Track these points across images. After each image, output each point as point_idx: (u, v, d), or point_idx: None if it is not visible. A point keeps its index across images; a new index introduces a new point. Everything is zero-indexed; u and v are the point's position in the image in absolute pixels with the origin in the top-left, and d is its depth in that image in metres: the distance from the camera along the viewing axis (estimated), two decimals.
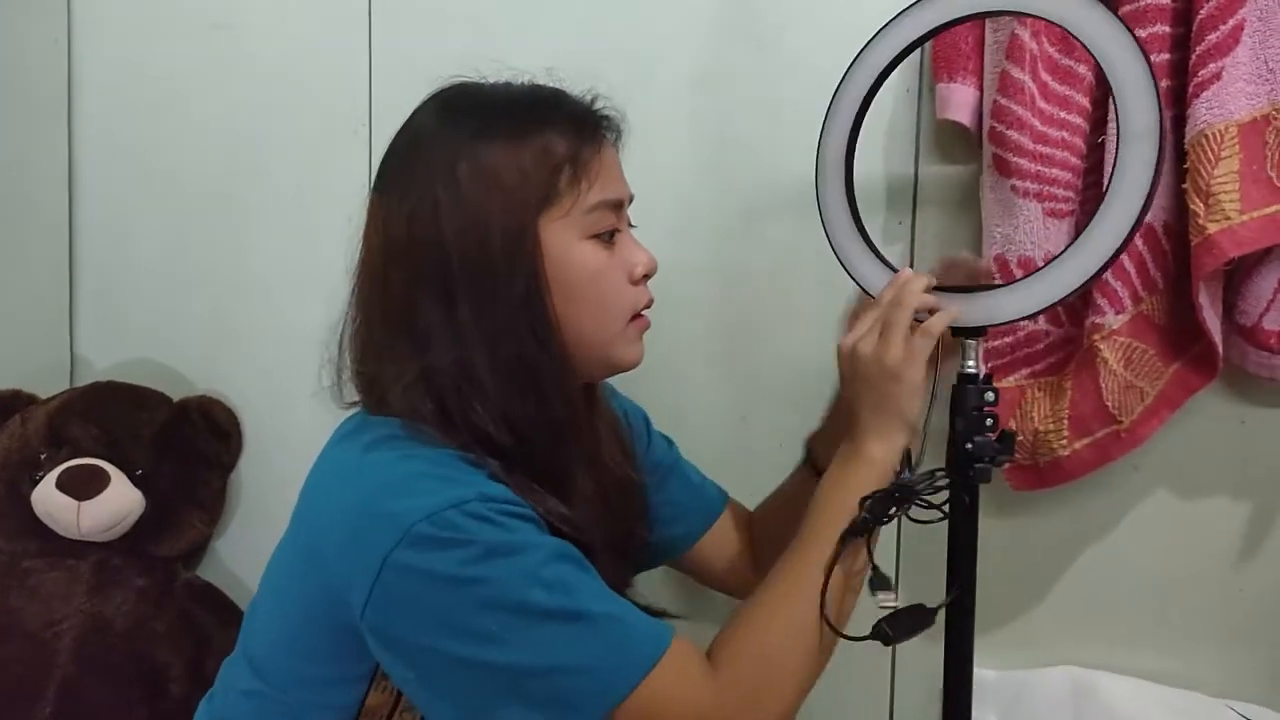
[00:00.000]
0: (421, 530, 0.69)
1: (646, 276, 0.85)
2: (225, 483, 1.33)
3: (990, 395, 0.85)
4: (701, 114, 1.19)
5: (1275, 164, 0.99)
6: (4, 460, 1.23)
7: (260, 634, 0.85)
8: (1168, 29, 1.00)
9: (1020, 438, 1.08)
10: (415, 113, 0.84)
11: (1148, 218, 1.02)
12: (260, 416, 1.34)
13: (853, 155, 0.95)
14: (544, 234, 0.78)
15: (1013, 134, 1.02)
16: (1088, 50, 0.80)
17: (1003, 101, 1.03)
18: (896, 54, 0.92)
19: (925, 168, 1.15)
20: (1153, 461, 1.13)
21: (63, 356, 1.37)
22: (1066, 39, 1.03)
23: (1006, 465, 1.06)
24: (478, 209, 0.77)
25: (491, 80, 0.84)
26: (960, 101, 1.08)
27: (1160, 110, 0.77)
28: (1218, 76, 0.97)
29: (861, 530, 0.79)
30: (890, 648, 1.19)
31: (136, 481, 1.22)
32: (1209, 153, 0.98)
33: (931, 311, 0.84)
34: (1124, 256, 1.02)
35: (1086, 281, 0.81)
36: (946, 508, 0.83)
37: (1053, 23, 0.83)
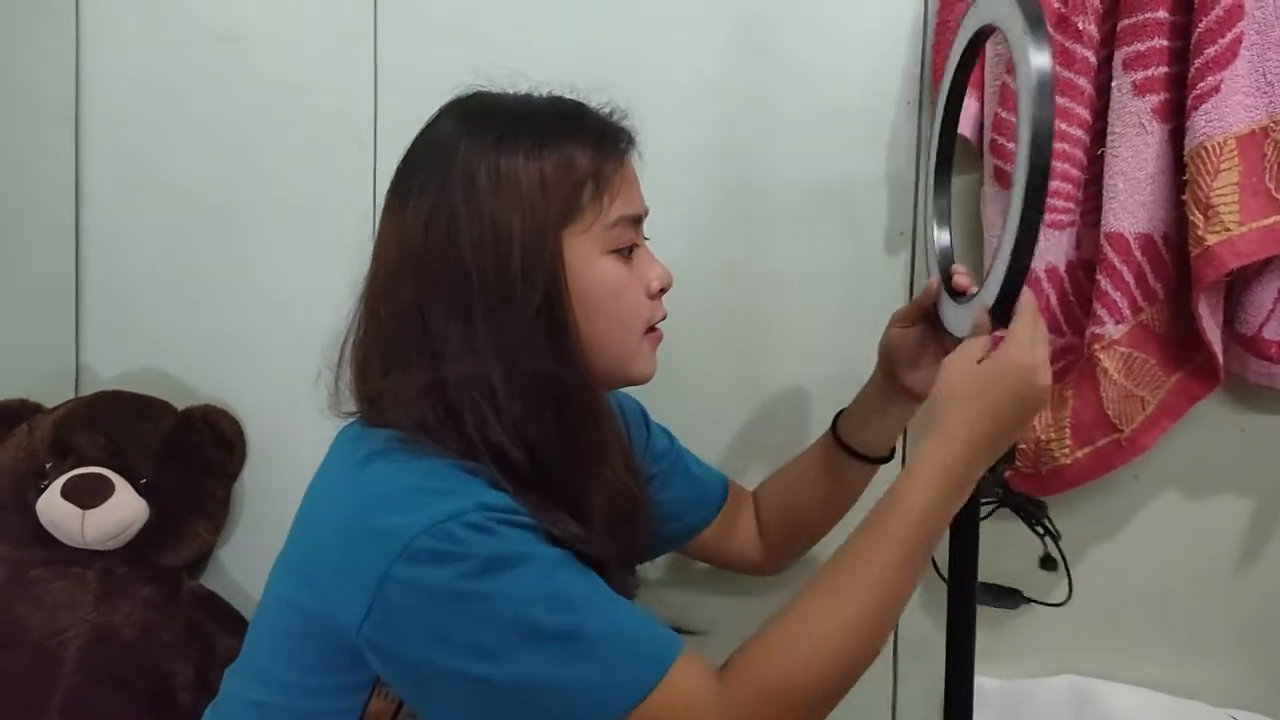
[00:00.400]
0: (420, 544, 0.68)
1: (663, 290, 0.85)
2: (230, 492, 1.33)
3: None
4: (707, 122, 1.19)
5: (1274, 176, 1.00)
6: (10, 469, 1.23)
7: (262, 643, 0.84)
8: (1166, 43, 1.01)
9: (1022, 446, 1.09)
10: (434, 120, 0.83)
11: (1147, 229, 1.03)
12: (265, 426, 1.34)
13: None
14: (565, 248, 0.77)
15: (1013, 146, 1.03)
16: None
17: (1004, 114, 1.03)
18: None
19: (927, 178, 1.16)
20: (1154, 470, 1.13)
21: (68, 365, 1.37)
22: (1066, 52, 1.03)
23: (1007, 473, 1.07)
24: (498, 220, 0.76)
25: (510, 91, 0.84)
26: (962, 114, 1.08)
27: None
28: (1217, 89, 0.98)
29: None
30: (893, 653, 1.20)
31: (141, 490, 1.22)
32: (1208, 165, 0.98)
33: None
34: (1123, 267, 1.03)
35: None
36: None
37: None
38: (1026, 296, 0.78)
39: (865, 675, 1.20)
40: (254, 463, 1.34)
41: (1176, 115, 1.02)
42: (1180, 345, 1.06)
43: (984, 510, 0.86)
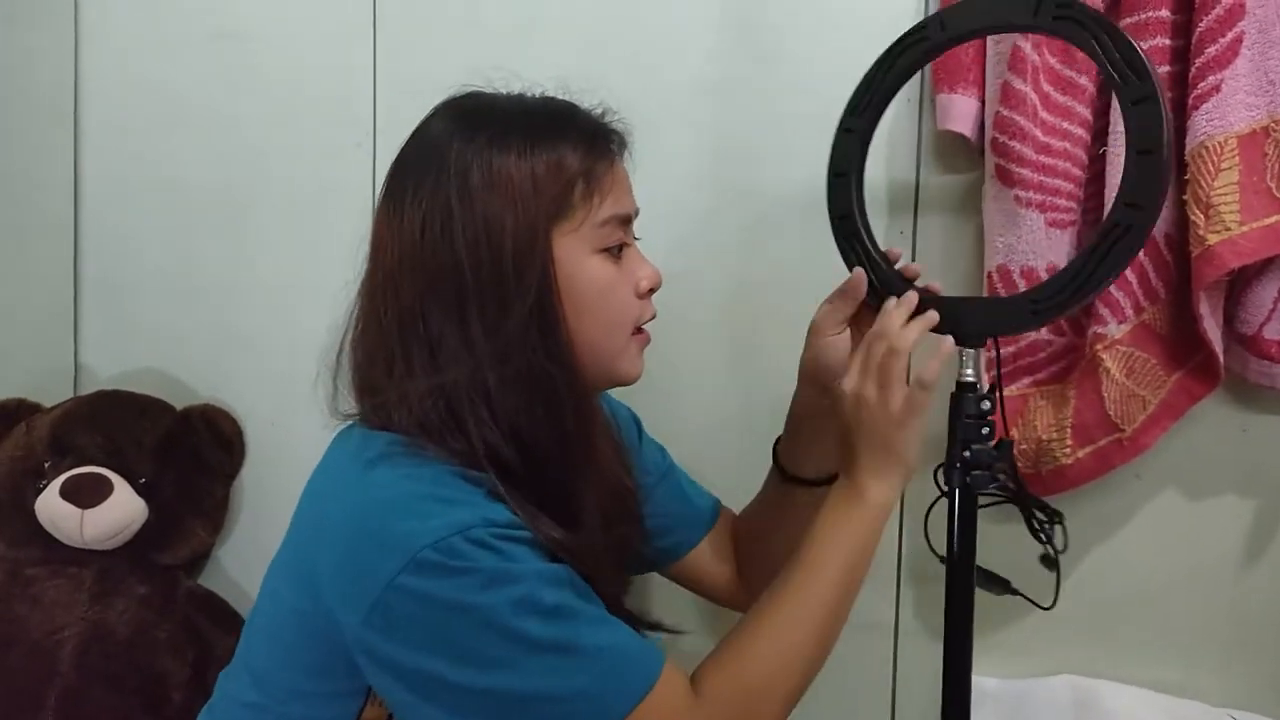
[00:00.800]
0: (427, 557, 0.69)
1: (652, 290, 0.85)
2: (228, 491, 1.33)
3: (987, 404, 0.85)
4: (703, 123, 1.20)
5: (1275, 175, 1.00)
6: (8, 468, 1.23)
7: (258, 646, 0.84)
8: (1168, 41, 1.01)
9: (1024, 445, 1.08)
10: (427, 120, 0.84)
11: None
12: (263, 426, 1.34)
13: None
14: (556, 246, 0.78)
15: (1015, 145, 1.03)
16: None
17: (1005, 113, 1.03)
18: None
19: (927, 177, 1.16)
20: (1155, 469, 1.13)
21: (67, 365, 1.37)
22: (1068, 50, 1.03)
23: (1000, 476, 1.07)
24: (490, 218, 0.77)
25: (503, 91, 0.85)
26: (961, 112, 1.08)
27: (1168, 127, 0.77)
28: (1217, 89, 0.98)
29: None
30: (892, 654, 1.20)
31: (139, 490, 1.22)
32: (1209, 164, 0.98)
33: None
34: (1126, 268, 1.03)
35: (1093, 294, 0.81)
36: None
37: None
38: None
39: (865, 675, 1.21)
40: (253, 462, 1.34)
41: (1177, 115, 1.02)
42: (1181, 344, 1.06)
43: (989, 503, 0.86)
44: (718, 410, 1.22)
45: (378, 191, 0.84)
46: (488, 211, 0.77)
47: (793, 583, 0.80)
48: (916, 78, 1.14)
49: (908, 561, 1.19)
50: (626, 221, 0.84)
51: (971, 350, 0.86)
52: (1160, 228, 1.04)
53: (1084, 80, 1.05)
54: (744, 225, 1.20)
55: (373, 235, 0.83)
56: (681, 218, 1.18)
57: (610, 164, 0.82)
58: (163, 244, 1.34)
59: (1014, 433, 1.09)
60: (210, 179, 1.33)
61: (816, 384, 0.93)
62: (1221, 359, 1.03)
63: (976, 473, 0.84)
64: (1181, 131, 1.01)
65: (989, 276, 1.08)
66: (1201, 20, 0.98)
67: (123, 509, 1.20)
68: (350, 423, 0.83)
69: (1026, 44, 1.03)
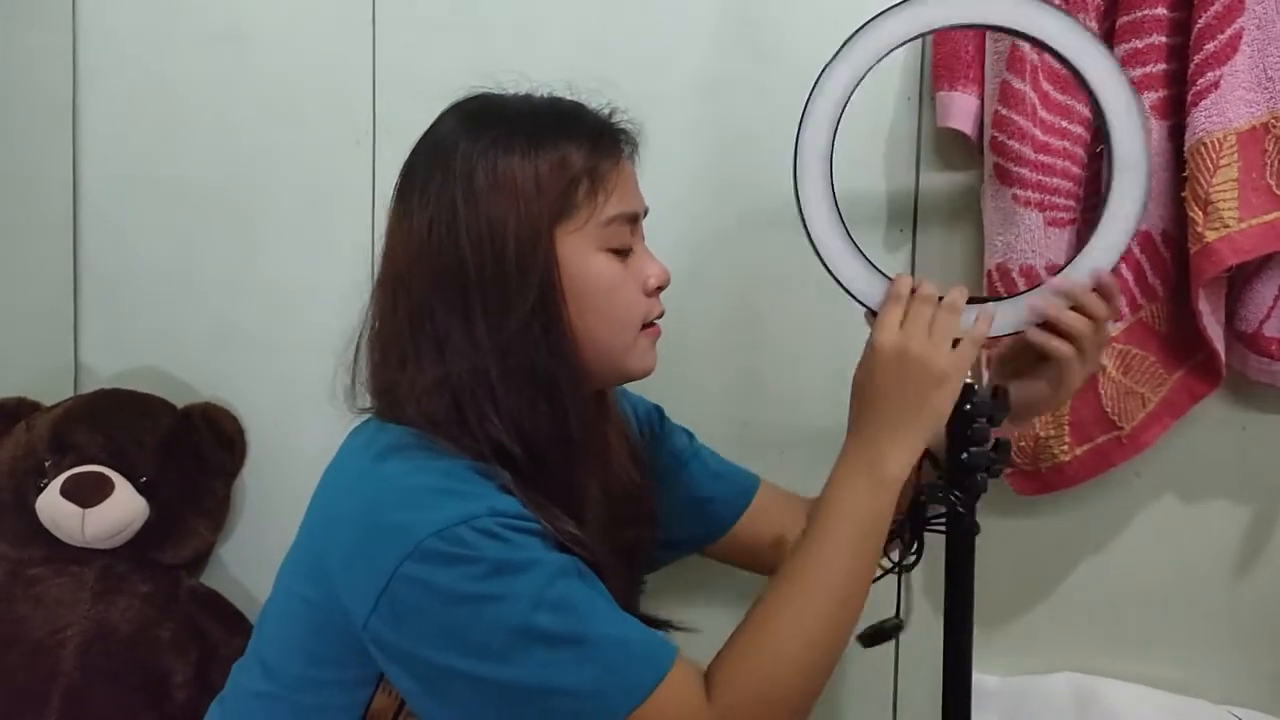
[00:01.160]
0: (431, 545, 0.70)
1: (660, 288, 0.86)
2: (229, 490, 1.33)
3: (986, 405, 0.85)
4: (706, 121, 1.19)
5: (1274, 172, 1.00)
6: (9, 467, 1.23)
7: (271, 637, 0.85)
8: (1164, 39, 1.01)
9: (1023, 443, 1.09)
10: (437, 122, 0.85)
11: (1145, 226, 1.03)
12: (264, 424, 1.34)
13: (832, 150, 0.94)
14: (560, 245, 0.79)
15: (1014, 144, 1.03)
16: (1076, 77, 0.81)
17: (1004, 112, 1.03)
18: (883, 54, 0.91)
19: (926, 176, 1.16)
20: (1155, 467, 1.13)
21: (67, 363, 1.37)
22: None
23: (1006, 472, 1.07)
24: (494, 217, 0.77)
25: (511, 92, 0.85)
26: (961, 110, 1.08)
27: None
28: (1216, 85, 0.98)
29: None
30: (894, 653, 1.21)
31: (141, 489, 1.22)
32: (1208, 161, 0.98)
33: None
34: (1121, 264, 1.03)
35: None
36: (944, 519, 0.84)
37: (1049, 48, 0.83)
38: (898, 281, 0.82)
39: (865, 675, 1.21)
40: (254, 461, 1.34)
41: (1175, 112, 1.02)
42: (1181, 343, 1.06)
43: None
44: (719, 406, 1.22)
45: (382, 190, 0.84)
46: (491, 212, 0.78)
47: (798, 567, 0.78)
48: (916, 76, 1.14)
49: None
50: (634, 219, 0.84)
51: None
52: (1157, 225, 1.04)
53: None
54: (745, 222, 1.20)
55: (386, 235, 0.84)
56: (683, 216, 1.18)
57: (616, 163, 0.83)
58: (162, 242, 1.34)
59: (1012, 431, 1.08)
60: (210, 177, 1.32)
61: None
62: (1223, 357, 1.03)
63: (976, 475, 0.83)
64: (1179, 129, 1.01)
65: (988, 275, 1.08)
66: (1200, 16, 0.98)
67: (124, 508, 1.20)
68: (366, 417, 0.85)
69: (1025, 43, 1.03)
